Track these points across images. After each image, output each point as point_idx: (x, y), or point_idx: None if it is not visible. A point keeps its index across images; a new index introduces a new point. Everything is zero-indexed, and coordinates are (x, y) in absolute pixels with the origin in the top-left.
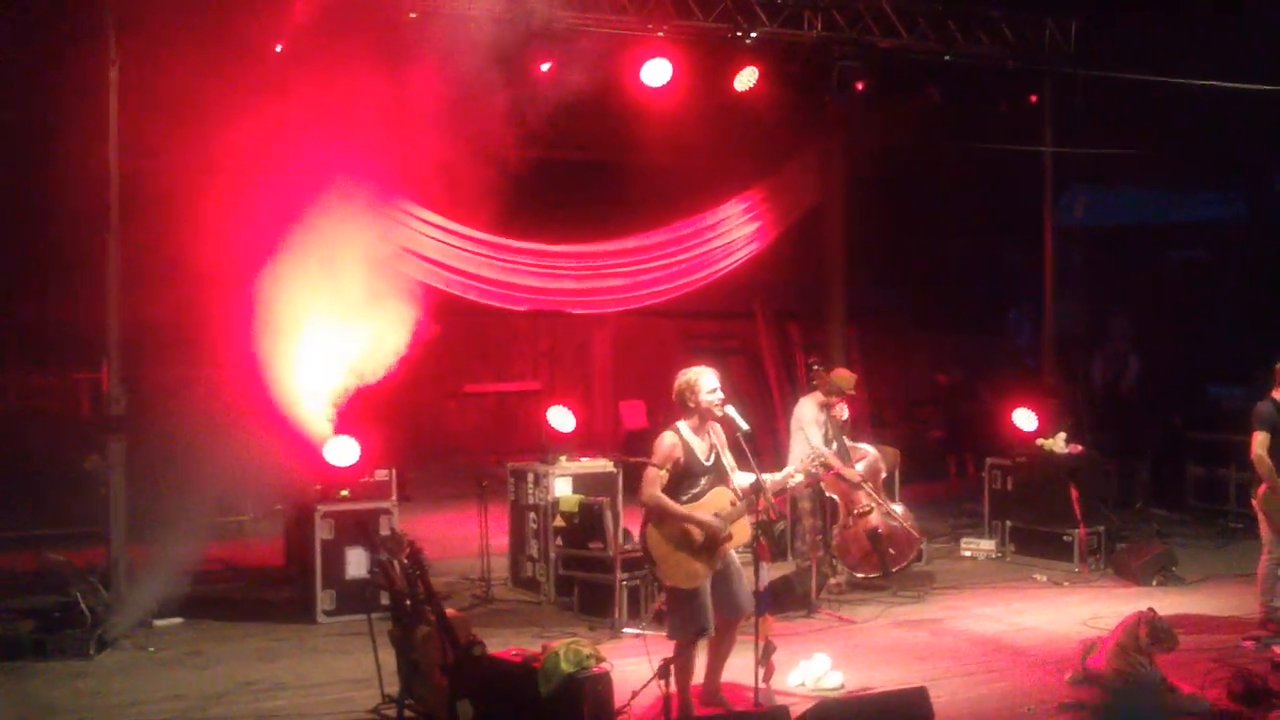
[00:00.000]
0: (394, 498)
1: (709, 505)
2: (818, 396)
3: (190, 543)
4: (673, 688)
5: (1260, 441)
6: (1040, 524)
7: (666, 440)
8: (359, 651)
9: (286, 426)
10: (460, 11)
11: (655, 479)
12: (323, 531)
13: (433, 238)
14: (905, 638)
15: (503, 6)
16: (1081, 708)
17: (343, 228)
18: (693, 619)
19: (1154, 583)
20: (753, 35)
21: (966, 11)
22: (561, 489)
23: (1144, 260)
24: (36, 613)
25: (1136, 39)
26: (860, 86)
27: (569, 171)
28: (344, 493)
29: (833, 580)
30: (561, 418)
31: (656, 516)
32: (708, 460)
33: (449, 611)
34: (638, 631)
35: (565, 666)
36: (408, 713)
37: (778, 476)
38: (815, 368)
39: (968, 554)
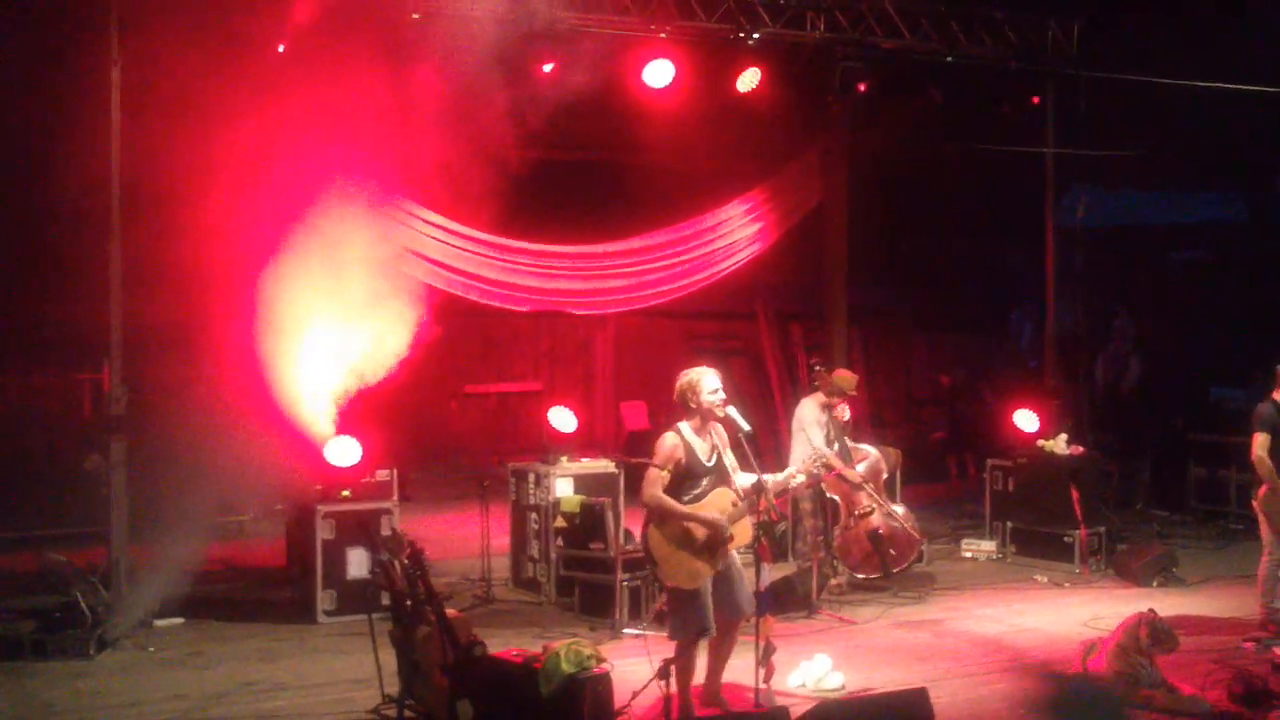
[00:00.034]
0: (395, 498)
1: (711, 506)
2: (819, 397)
3: (191, 543)
4: (673, 688)
5: (1260, 443)
6: (1041, 525)
7: (668, 441)
8: (359, 652)
9: (288, 426)
10: (463, 12)
11: (656, 479)
12: (324, 532)
13: (434, 238)
14: (906, 639)
15: (505, 7)
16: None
17: (344, 228)
18: (694, 619)
19: (1155, 584)
20: (755, 36)
21: (969, 12)
22: (563, 489)
23: (1145, 261)
24: (37, 613)
25: (1139, 40)
26: (863, 87)
27: (571, 172)
28: (345, 493)
29: (834, 581)
30: (563, 418)
31: (658, 517)
32: (709, 461)
33: (450, 612)
34: (638, 632)
35: (566, 667)
36: (408, 713)
37: (779, 477)
38: (817, 368)
39: (968, 555)
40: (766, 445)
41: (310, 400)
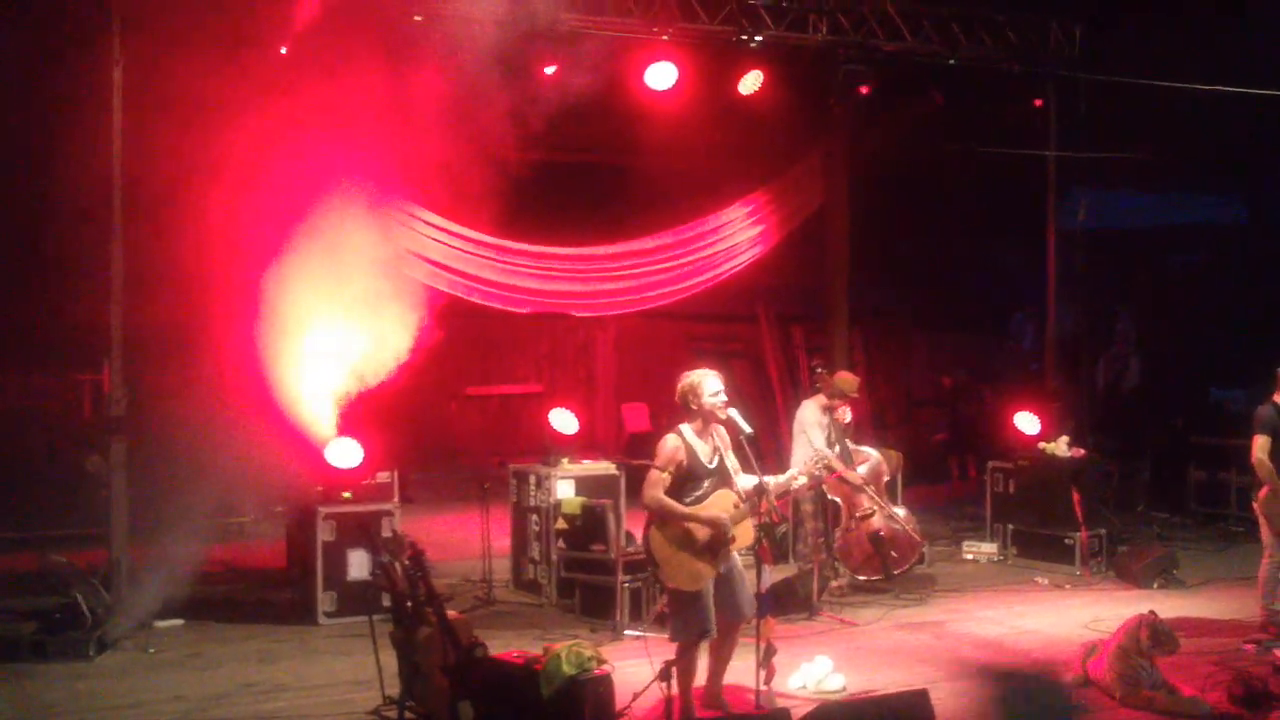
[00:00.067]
0: (396, 499)
1: (712, 508)
2: (820, 399)
3: (191, 544)
4: (674, 690)
5: (1261, 445)
6: (1042, 527)
7: (669, 443)
8: (360, 653)
9: (288, 428)
10: (465, 14)
11: (658, 481)
12: (324, 533)
13: (436, 240)
14: (907, 640)
15: (507, 9)
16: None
17: (346, 229)
18: (695, 621)
19: (1155, 586)
20: (757, 39)
21: (970, 15)
22: (563, 491)
23: (1146, 263)
24: (37, 614)
25: (1140, 43)
26: (865, 90)
27: (573, 174)
28: (346, 494)
29: (834, 583)
30: (564, 420)
31: (659, 518)
32: (711, 463)
33: (450, 613)
34: (639, 634)
35: (567, 668)
36: (409, 714)
37: (781, 479)
38: (818, 370)
39: (969, 557)
40: (767, 447)
41: (311, 402)
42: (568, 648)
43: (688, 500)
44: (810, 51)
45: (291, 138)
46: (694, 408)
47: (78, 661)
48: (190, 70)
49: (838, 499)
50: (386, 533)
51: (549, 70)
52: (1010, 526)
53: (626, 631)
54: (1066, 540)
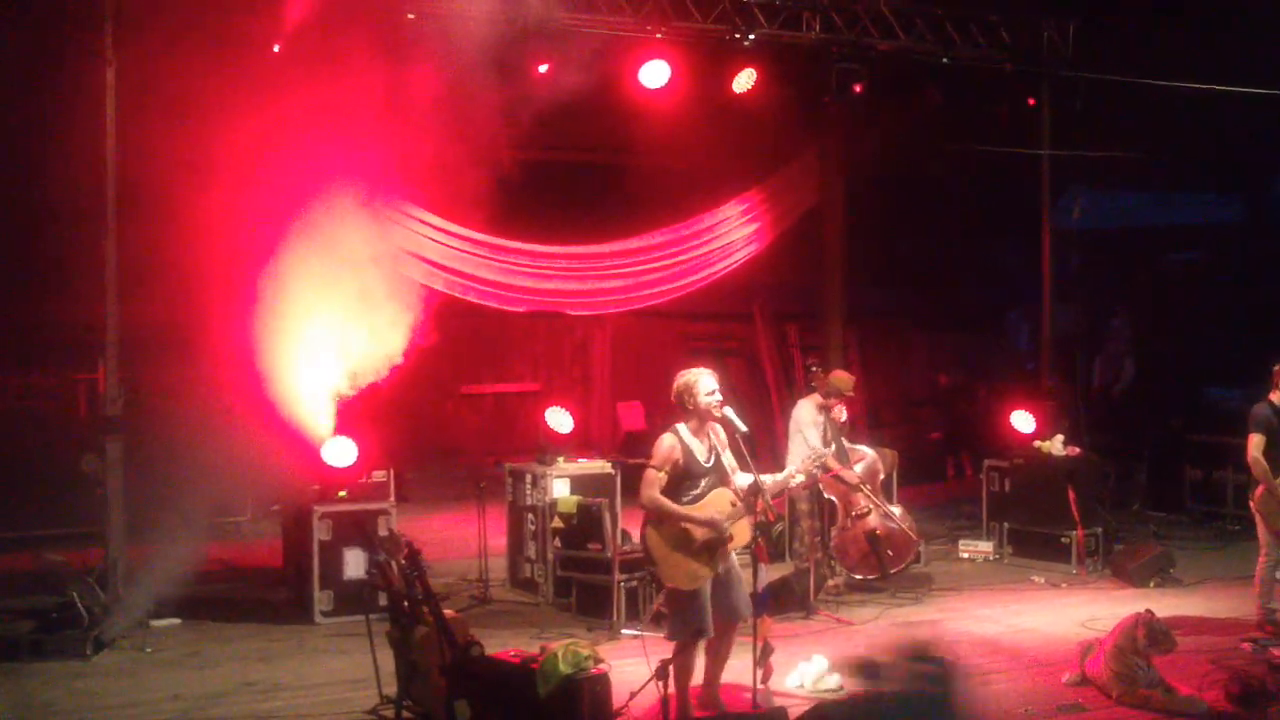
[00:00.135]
0: (392, 499)
1: (709, 507)
2: (816, 398)
3: (188, 543)
4: (671, 689)
5: (1256, 444)
6: (1038, 526)
7: (665, 442)
8: (357, 652)
9: (284, 427)
10: (458, 12)
11: (654, 480)
12: (320, 532)
13: (431, 239)
14: (904, 639)
15: (500, 7)
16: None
17: (341, 229)
18: (692, 620)
19: (1152, 584)
20: (751, 37)
21: (964, 14)
22: (559, 490)
23: (1142, 262)
24: (34, 613)
25: (1134, 41)
26: (858, 88)
27: (568, 173)
28: (342, 494)
29: (831, 582)
30: (559, 419)
31: (656, 518)
32: (707, 462)
33: (447, 612)
34: (636, 633)
35: (563, 668)
36: (406, 713)
37: (778, 477)
38: (814, 369)
39: (965, 555)
40: (763, 446)
41: (307, 401)
42: (564, 647)
43: (685, 499)
44: (804, 50)
45: (286, 137)
46: (690, 407)
47: (75, 661)
48: (184, 70)
49: (834, 498)
50: (383, 532)
51: (543, 69)
52: (1006, 525)
53: (623, 630)
54: (1063, 539)
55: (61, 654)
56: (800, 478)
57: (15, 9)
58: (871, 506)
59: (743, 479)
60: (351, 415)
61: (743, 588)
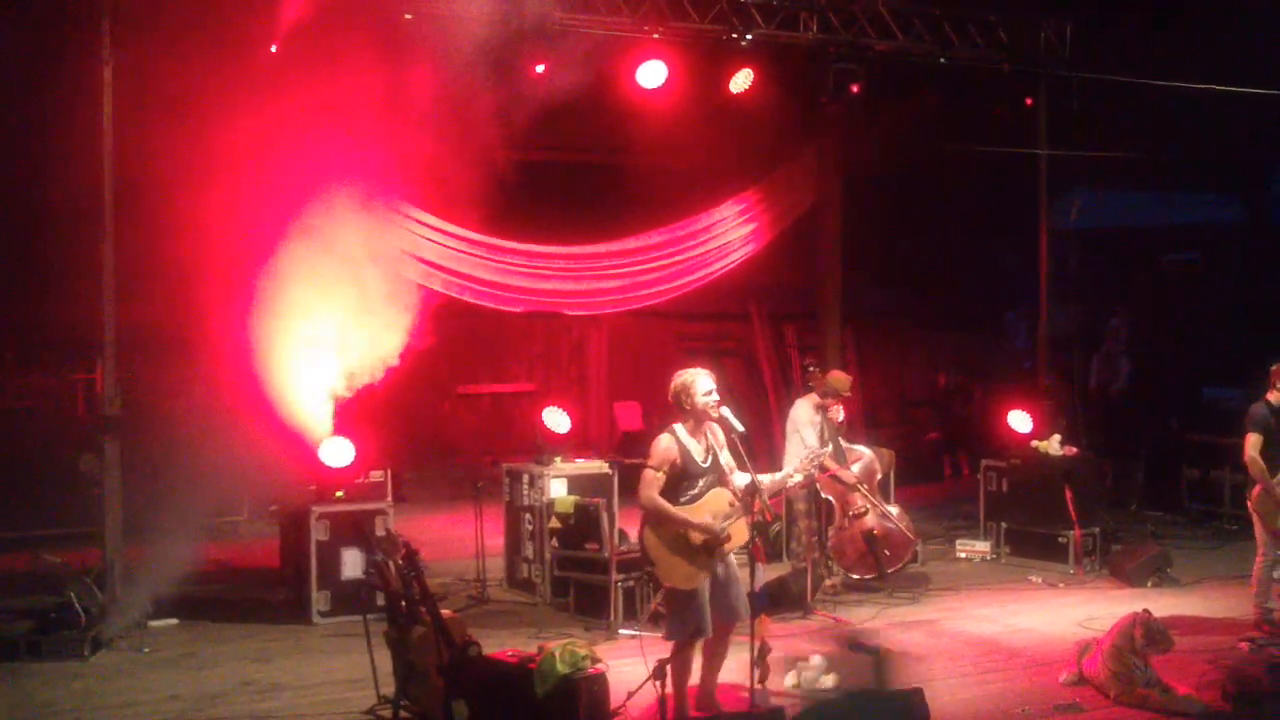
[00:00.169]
0: (389, 499)
1: (708, 506)
2: (813, 398)
3: (185, 544)
4: (668, 689)
5: (1254, 443)
6: (1035, 525)
7: (662, 443)
8: (354, 652)
9: (282, 427)
10: (456, 13)
11: (652, 481)
12: (318, 532)
13: (428, 239)
14: (901, 639)
15: (497, 7)
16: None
17: (339, 229)
18: (690, 620)
19: (1149, 584)
20: (748, 37)
21: (962, 14)
22: (557, 490)
23: (1140, 262)
24: (32, 613)
25: (1132, 41)
26: (856, 89)
27: (565, 173)
28: (339, 494)
29: (828, 581)
30: (557, 419)
31: (654, 519)
32: (705, 462)
33: (444, 612)
34: (633, 633)
35: (561, 667)
36: (403, 713)
37: (776, 477)
38: (811, 369)
39: (963, 555)
40: (760, 446)
41: (304, 401)
42: (562, 646)
43: (683, 499)
44: (801, 50)
45: (284, 137)
46: (687, 407)
47: (73, 661)
48: (182, 69)
49: (831, 497)
50: (380, 532)
51: (540, 69)
52: (1003, 525)
53: (621, 630)
54: (1060, 539)
55: (59, 654)
56: (798, 477)
57: (14, 9)
58: (869, 506)
59: (740, 479)
60: (349, 415)
61: (741, 588)
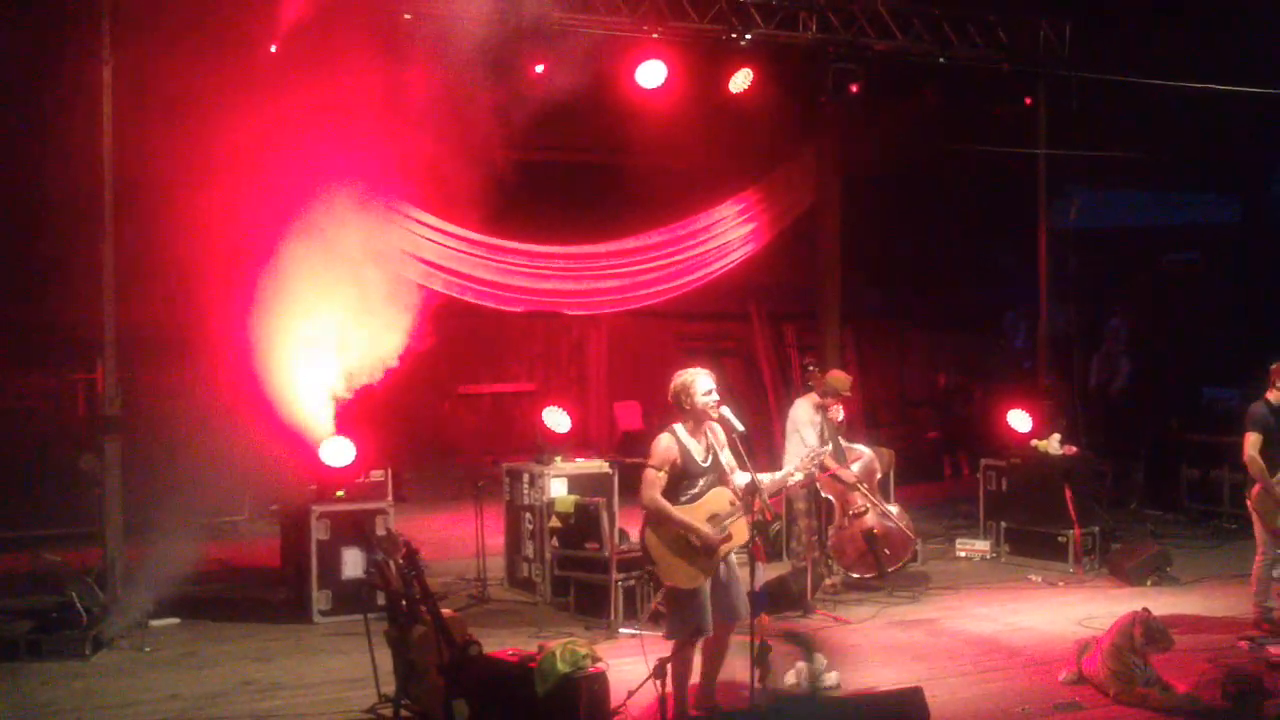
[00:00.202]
0: (390, 498)
1: (708, 505)
2: (813, 398)
3: (186, 543)
4: (668, 688)
5: (1253, 442)
6: (1035, 525)
7: (663, 443)
8: (355, 651)
9: (282, 427)
10: (455, 13)
11: (654, 481)
12: (318, 532)
13: (428, 239)
14: (901, 638)
15: (497, 8)
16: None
17: (339, 228)
18: (691, 619)
19: (1149, 583)
20: (747, 37)
21: (961, 14)
22: (557, 490)
23: (1139, 262)
24: (32, 613)
25: (1131, 41)
26: (855, 88)
27: (565, 173)
28: (340, 493)
29: (828, 581)
30: (557, 418)
31: (655, 519)
32: (705, 461)
33: (445, 611)
34: (634, 632)
35: (561, 666)
36: (404, 712)
37: (776, 476)
38: (811, 369)
39: (963, 554)
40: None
41: (305, 400)
42: (562, 645)
43: (683, 499)
44: (800, 50)
45: (283, 137)
46: (687, 407)
47: (73, 660)
48: (181, 69)
49: (831, 497)
50: (380, 531)
51: (539, 69)
52: (1003, 524)
53: (621, 629)
54: (1059, 538)
55: (60, 654)
56: (798, 476)
57: (14, 9)
58: (869, 505)
59: (740, 478)
60: (349, 415)
61: (741, 587)
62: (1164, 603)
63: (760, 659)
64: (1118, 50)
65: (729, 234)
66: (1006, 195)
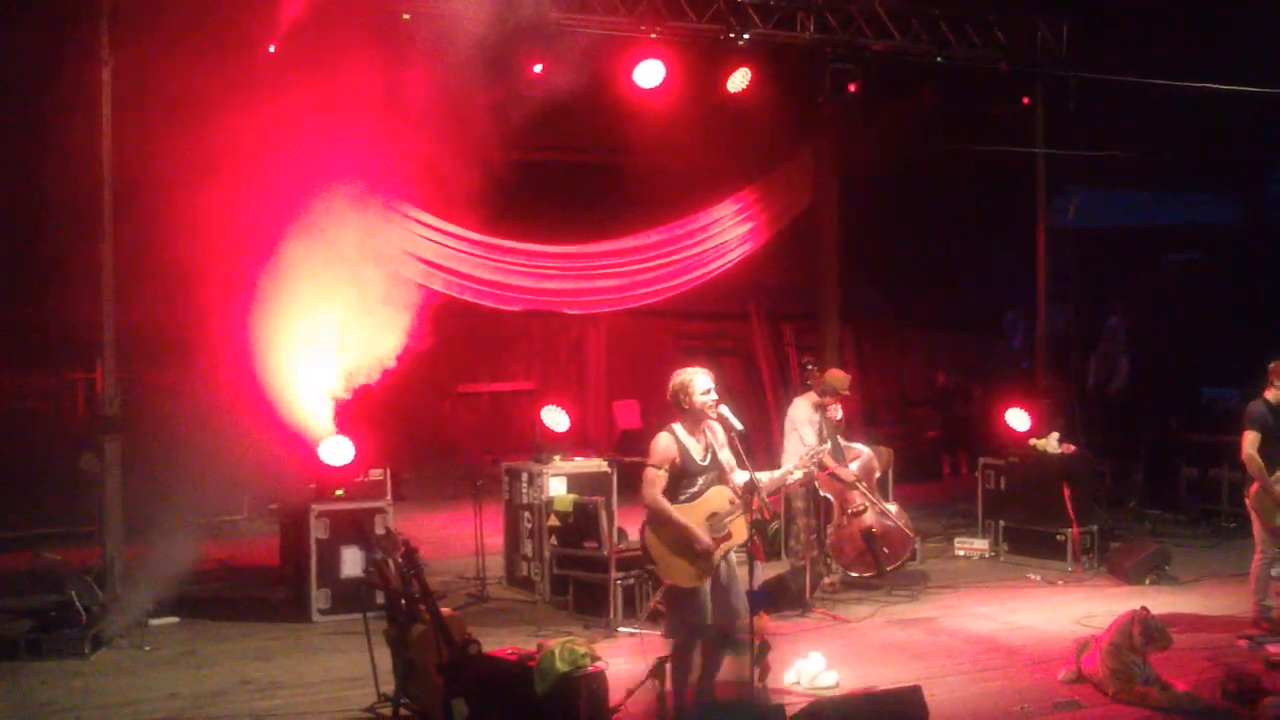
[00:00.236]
0: (389, 497)
1: (708, 504)
2: (812, 397)
3: (186, 542)
4: (668, 686)
5: (1252, 441)
6: (1034, 523)
7: (662, 442)
8: (354, 650)
9: (282, 426)
10: (454, 13)
11: (655, 481)
12: (318, 531)
13: (427, 239)
14: (900, 636)
15: (495, 8)
16: (1078, 707)
17: (338, 228)
18: (690, 618)
19: (1147, 582)
20: (745, 37)
21: (959, 14)
22: (556, 488)
23: (1138, 262)
24: (32, 612)
25: (1128, 41)
26: (853, 88)
27: (563, 172)
28: (339, 492)
29: (827, 579)
30: (556, 417)
31: (655, 519)
32: (704, 460)
33: (444, 610)
34: (633, 630)
35: (560, 665)
36: (403, 711)
37: (776, 474)
38: (810, 368)
39: (961, 553)
40: (759, 444)
41: (304, 400)
42: (561, 644)
43: (682, 497)
44: (798, 50)
45: (283, 137)
46: (685, 406)
47: (73, 659)
48: (180, 69)
49: (830, 495)
50: (380, 530)
51: (538, 69)
52: (1002, 523)
53: (620, 628)
54: (1058, 536)
55: (60, 653)
56: (798, 474)
57: (13, 9)
58: (867, 504)
59: (739, 477)
60: (348, 414)
61: (740, 586)
62: (1163, 601)
63: (760, 658)
64: (1116, 50)
65: (727, 233)
66: (1005, 195)
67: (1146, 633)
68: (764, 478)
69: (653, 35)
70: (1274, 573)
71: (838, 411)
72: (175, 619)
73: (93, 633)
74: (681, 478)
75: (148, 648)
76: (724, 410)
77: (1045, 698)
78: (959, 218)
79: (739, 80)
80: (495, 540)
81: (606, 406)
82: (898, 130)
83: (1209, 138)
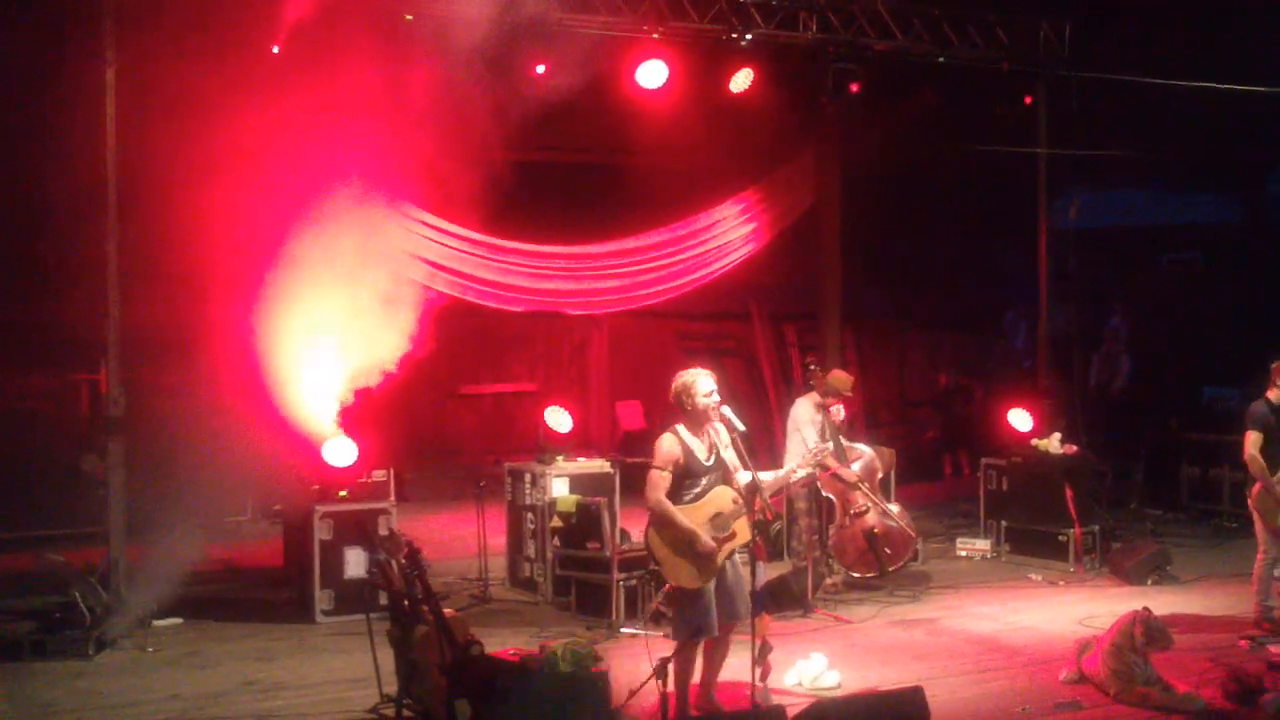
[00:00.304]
0: (392, 498)
1: (712, 504)
2: (814, 397)
3: (189, 543)
4: (670, 687)
5: (1253, 441)
6: (1035, 524)
7: (666, 443)
8: (357, 651)
9: (285, 427)
10: (456, 13)
11: (659, 483)
12: (321, 532)
13: (430, 239)
14: (901, 637)
15: (497, 9)
16: (1080, 708)
17: (341, 229)
18: (694, 619)
19: (1149, 582)
20: (748, 37)
21: (961, 14)
22: (559, 489)
23: (1139, 262)
24: (36, 613)
25: (1131, 41)
26: (855, 88)
27: (566, 173)
28: (342, 493)
29: (829, 580)
30: (558, 418)
31: (658, 521)
32: (708, 460)
33: (447, 611)
34: (635, 631)
35: (563, 666)
36: (406, 712)
37: (779, 474)
38: (812, 368)
39: (963, 554)
40: (761, 445)
41: (307, 401)
42: (564, 645)
43: (686, 497)
44: (800, 50)
45: (286, 138)
46: (688, 407)
47: (77, 660)
48: (183, 70)
49: (832, 496)
50: (383, 531)
51: (540, 69)
52: (1003, 523)
53: (623, 629)
54: (1060, 537)
55: (63, 654)
56: (801, 473)
57: (15, 9)
58: (869, 505)
59: (742, 477)
60: (352, 415)
61: (744, 587)
62: (1164, 602)
63: (760, 659)
64: (1117, 50)
65: (729, 234)
66: (1006, 195)
67: (1148, 633)
68: (767, 478)
69: (655, 35)
70: (1277, 573)
71: (840, 412)
72: (178, 620)
73: (96, 634)
74: (685, 478)
75: (151, 649)
76: (726, 411)
77: (1047, 698)
78: (961, 218)
79: (741, 80)
80: (498, 541)
81: (609, 407)
82: (899, 130)
83: (1209, 138)
